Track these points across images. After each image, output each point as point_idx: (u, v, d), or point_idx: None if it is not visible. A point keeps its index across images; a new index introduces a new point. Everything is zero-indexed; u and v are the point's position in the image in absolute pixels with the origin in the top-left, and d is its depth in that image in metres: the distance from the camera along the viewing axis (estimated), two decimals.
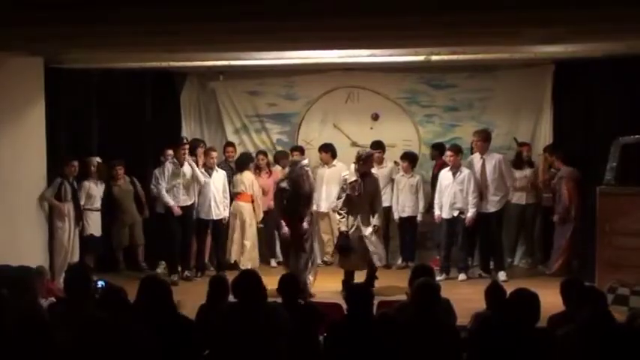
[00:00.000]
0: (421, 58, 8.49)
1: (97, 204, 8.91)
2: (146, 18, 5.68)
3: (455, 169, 8.80)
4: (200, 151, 9.16)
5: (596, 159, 8.72)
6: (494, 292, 5.11)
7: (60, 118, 8.71)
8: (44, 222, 8.43)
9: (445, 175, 8.89)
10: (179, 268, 9.04)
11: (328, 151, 9.69)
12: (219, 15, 5.56)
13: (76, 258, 8.47)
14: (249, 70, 9.74)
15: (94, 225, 8.89)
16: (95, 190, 8.89)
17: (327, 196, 9.70)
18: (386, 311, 4.54)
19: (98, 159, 8.98)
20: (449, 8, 5.42)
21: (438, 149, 9.54)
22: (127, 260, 9.50)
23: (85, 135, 9.21)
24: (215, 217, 9.20)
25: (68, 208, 8.45)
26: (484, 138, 8.87)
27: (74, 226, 8.53)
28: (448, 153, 8.86)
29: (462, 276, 8.82)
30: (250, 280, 4.78)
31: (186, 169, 8.94)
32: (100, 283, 5.89)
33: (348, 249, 7.99)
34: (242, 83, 10.20)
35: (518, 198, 9.35)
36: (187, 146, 9.09)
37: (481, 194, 8.75)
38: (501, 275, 8.59)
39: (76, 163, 8.60)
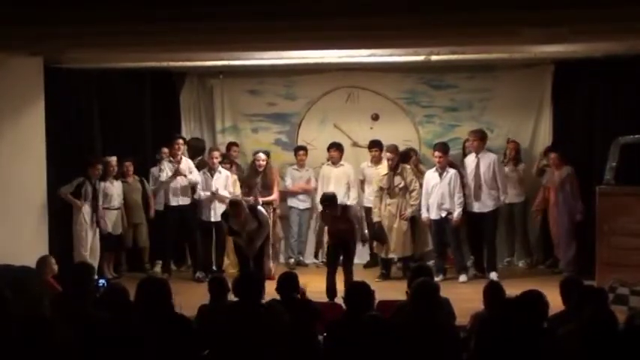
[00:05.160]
0: (421, 58, 8.49)
1: (115, 202, 8.95)
2: (146, 18, 5.69)
3: (442, 170, 8.72)
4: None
5: (595, 159, 8.72)
6: (492, 291, 5.11)
7: (60, 119, 8.70)
8: (44, 222, 8.40)
9: (432, 175, 8.80)
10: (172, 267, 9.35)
11: (337, 150, 9.65)
12: (220, 15, 5.57)
13: (96, 258, 8.53)
14: (248, 69, 9.73)
15: (112, 223, 8.92)
16: (112, 188, 8.93)
17: None
18: (376, 314, 4.52)
19: (114, 158, 9.02)
20: (449, 8, 5.43)
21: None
22: (130, 262, 9.49)
23: (86, 135, 9.21)
24: (215, 220, 9.08)
25: (86, 208, 8.51)
26: (480, 137, 8.84)
27: (92, 227, 8.58)
28: (437, 153, 8.72)
29: (462, 277, 8.71)
30: (250, 279, 4.79)
31: (183, 166, 9.01)
32: (102, 282, 5.89)
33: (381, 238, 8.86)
34: (241, 82, 10.17)
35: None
36: (181, 142, 9.16)
37: (475, 194, 8.73)
38: (493, 275, 8.51)
39: (100, 166, 8.69)
